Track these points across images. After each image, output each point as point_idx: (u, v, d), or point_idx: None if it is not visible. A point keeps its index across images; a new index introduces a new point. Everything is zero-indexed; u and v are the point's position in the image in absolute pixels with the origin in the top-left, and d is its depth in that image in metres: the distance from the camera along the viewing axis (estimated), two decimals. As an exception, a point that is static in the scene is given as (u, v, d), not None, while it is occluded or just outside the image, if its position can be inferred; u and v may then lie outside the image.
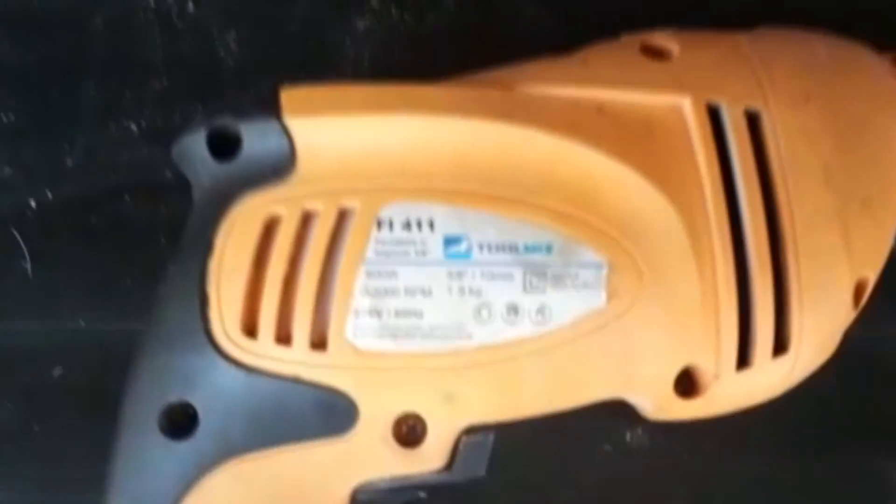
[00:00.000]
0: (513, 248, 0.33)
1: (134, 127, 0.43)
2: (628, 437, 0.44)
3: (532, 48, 0.36)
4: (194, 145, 0.34)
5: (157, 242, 0.43)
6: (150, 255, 0.42)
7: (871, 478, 0.44)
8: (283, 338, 0.32)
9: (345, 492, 0.33)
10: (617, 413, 0.35)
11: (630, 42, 0.36)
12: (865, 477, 0.44)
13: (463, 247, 0.33)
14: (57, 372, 0.42)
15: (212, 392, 0.32)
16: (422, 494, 0.36)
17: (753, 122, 0.34)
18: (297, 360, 0.32)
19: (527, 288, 0.33)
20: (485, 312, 0.33)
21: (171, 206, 0.42)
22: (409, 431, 0.33)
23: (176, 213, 0.39)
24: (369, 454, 0.33)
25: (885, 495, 0.44)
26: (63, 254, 0.43)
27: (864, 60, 0.37)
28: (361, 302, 0.32)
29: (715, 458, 0.43)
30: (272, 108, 0.33)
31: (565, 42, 0.36)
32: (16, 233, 0.43)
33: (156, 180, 0.43)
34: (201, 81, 0.44)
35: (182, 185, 0.35)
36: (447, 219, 0.33)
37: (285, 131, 0.33)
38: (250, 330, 0.32)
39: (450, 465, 0.33)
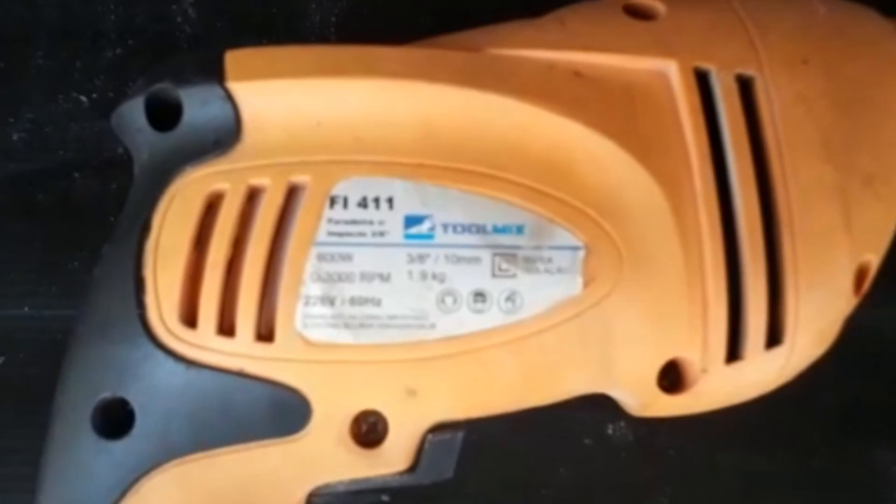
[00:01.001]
0: (480, 229, 0.32)
1: (84, 99, 0.43)
2: (610, 430, 0.43)
3: (507, 13, 0.35)
4: (132, 114, 0.33)
5: (107, 223, 0.40)
6: (99, 237, 0.39)
7: (868, 469, 0.43)
8: (227, 328, 0.31)
9: (298, 496, 0.32)
10: (598, 405, 0.34)
11: (612, 1, 0.35)
12: (862, 469, 0.43)
13: (425, 227, 0.31)
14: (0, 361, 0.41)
15: (149, 387, 0.31)
16: (384, 498, 0.35)
17: (746, 88, 0.33)
18: (241, 353, 0.31)
19: (495, 273, 0.31)
20: (449, 300, 0.31)
21: (123, 183, 0.39)
22: (369, 430, 0.32)
23: (127, 190, 0.37)
24: (324, 456, 0.31)
25: (884, 488, 0.43)
26: (6, 234, 0.42)
27: (867, 22, 0.36)
28: (312, 288, 0.31)
29: (702, 452, 0.43)
30: (214, 72, 0.31)
31: (542, 7, 0.35)
32: (-44, 212, 0.42)
33: (107, 156, 0.42)
34: (156, 50, 0.43)
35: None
36: (408, 196, 0.31)
37: (229, 97, 0.31)
38: (190, 319, 0.31)
39: (414, 466, 0.32)
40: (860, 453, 0.43)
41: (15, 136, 0.42)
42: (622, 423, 0.42)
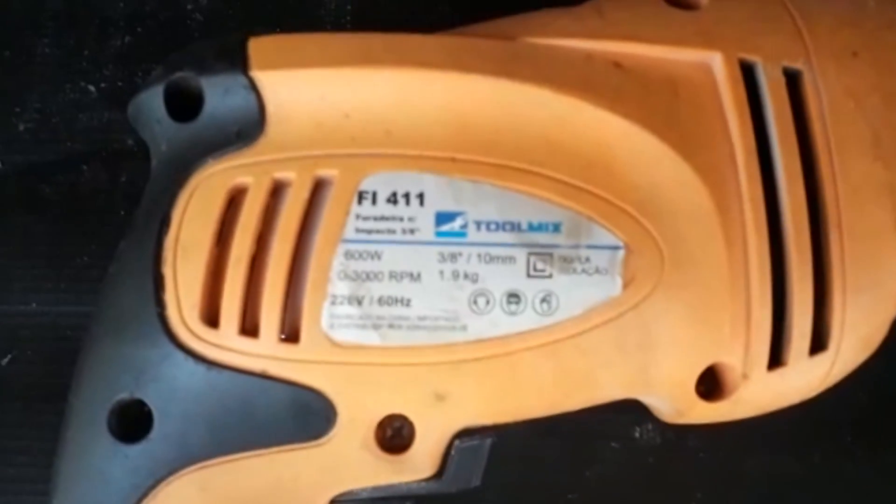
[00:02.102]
0: (515, 227, 0.31)
1: (92, 88, 0.43)
2: (637, 433, 0.42)
3: (537, 2, 0.35)
4: (151, 104, 0.32)
5: (116, 216, 0.41)
6: (108, 231, 0.41)
7: None
8: (250, 328, 0.31)
9: (320, 503, 0.31)
10: (625, 407, 0.34)
11: None
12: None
13: (457, 224, 0.31)
14: (5, 359, 0.41)
15: (168, 389, 0.31)
16: (408, 505, 0.35)
17: (793, 81, 0.33)
18: (265, 354, 0.30)
19: (530, 273, 0.31)
20: (482, 301, 0.31)
21: (132, 175, 0.42)
22: (395, 435, 0.31)
23: (137, 183, 0.39)
24: (348, 461, 0.31)
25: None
26: (12, 228, 0.42)
27: None
28: (339, 287, 0.30)
29: (733, 456, 0.42)
30: (238, 61, 0.31)
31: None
32: (-40, 205, 0.42)
33: (115, 147, 0.42)
34: (167, 39, 0.43)
35: (144, 152, 0.34)
36: (439, 192, 0.31)
37: (253, 87, 0.31)
38: (211, 318, 0.31)
39: (440, 473, 0.32)
40: (893, 456, 0.43)
41: (21, 127, 0.42)
42: (650, 426, 0.42)
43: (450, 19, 0.35)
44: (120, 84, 0.42)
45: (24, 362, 0.41)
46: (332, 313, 0.30)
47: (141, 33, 0.43)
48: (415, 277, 0.31)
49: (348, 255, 0.30)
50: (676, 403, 0.33)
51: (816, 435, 0.42)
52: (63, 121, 0.42)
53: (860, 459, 0.43)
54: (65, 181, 0.42)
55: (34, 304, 0.41)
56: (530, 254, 0.31)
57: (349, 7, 0.43)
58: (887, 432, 0.43)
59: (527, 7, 0.34)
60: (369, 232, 0.31)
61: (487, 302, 0.31)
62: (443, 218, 0.31)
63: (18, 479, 0.40)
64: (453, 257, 0.31)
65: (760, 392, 0.33)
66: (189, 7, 0.43)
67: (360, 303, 0.30)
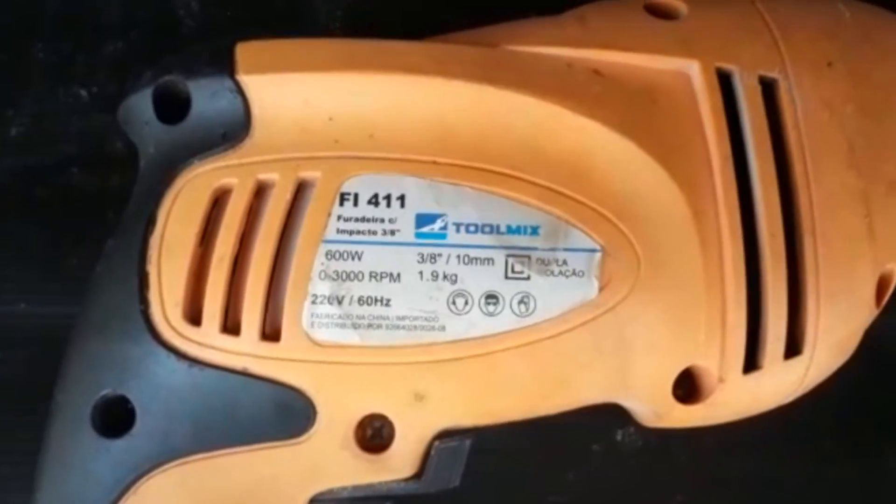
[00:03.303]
0: (494, 229, 0.31)
1: (84, 93, 0.43)
2: (619, 436, 0.43)
3: (522, 9, 0.35)
4: (139, 106, 0.33)
5: (106, 219, 0.41)
6: (98, 233, 0.39)
7: (882, 475, 0.43)
8: (231, 326, 0.31)
9: (300, 501, 0.31)
10: (606, 410, 0.34)
11: (633, 0, 0.34)
12: (876, 474, 0.43)
13: (437, 226, 0.31)
14: None
15: (150, 385, 0.31)
16: (388, 505, 0.35)
17: (769, 90, 0.33)
18: (246, 352, 0.31)
19: (509, 274, 0.31)
20: (460, 301, 0.31)
21: (123, 179, 0.42)
22: (374, 435, 0.31)
23: (128, 186, 0.37)
24: (328, 460, 0.31)
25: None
26: (4, 229, 0.42)
27: (892, 27, 0.36)
28: (320, 287, 0.31)
29: (714, 459, 0.43)
30: (225, 64, 0.31)
31: (560, 5, 0.35)
32: (-47, 207, 0.42)
33: (107, 151, 0.42)
34: (159, 44, 0.43)
35: (135, 156, 0.34)
36: (420, 194, 0.31)
37: (239, 90, 0.31)
38: (194, 316, 0.31)
39: (420, 473, 0.32)
40: (873, 459, 0.43)
41: (14, 130, 0.42)
42: (631, 429, 0.42)
43: (439, 25, 0.35)
44: (112, 89, 0.42)
45: (15, 363, 0.41)
46: (312, 312, 0.30)
47: (134, 39, 0.43)
48: (395, 278, 0.31)
49: (329, 255, 0.31)
50: (654, 406, 0.33)
51: (797, 438, 0.42)
52: (56, 124, 0.42)
53: (840, 462, 0.43)
54: (57, 184, 0.42)
55: (24, 305, 0.41)
56: (508, 256, 0.31)
57: (339, 13, 0.43)
58: (867, 435, 0.43)
59: (511, 13, 0.35)
60: (350, 233, 0.31)
61: (466, 302, 0.31)
62: (423, 219, 0.31)
63: (10, 477, 0.39)
64: (433, 258, 0.31)
65: (737, 396, 0.33)
66: (181, 13, 0.43)
67: (340, 302, 0.30)
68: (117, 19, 0.43)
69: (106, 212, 0.41)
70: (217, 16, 0.43)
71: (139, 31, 0.43)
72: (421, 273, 0.31)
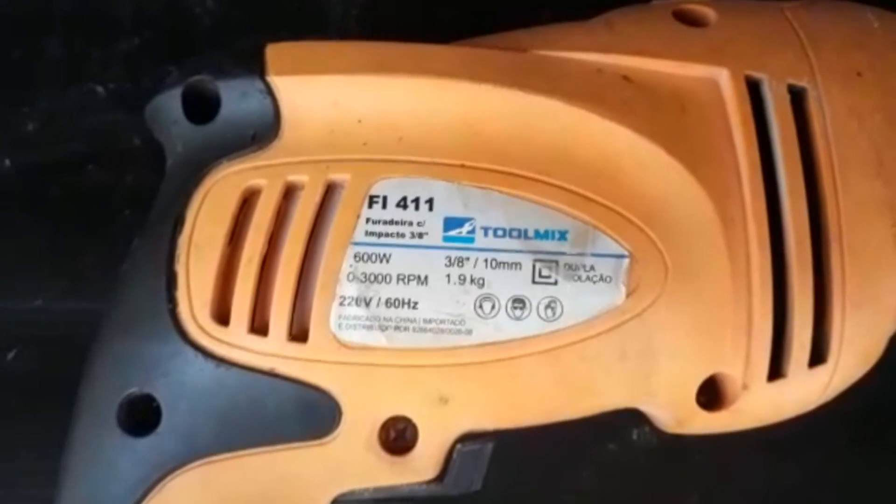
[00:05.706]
0: (522, 234, 0.32)
1: (100, 89, 0.43)
2: (635, 435, 0.43)
3: (548, 13, 0.36)
4: (168, 105, 0.33)
5: (121, 215, 0.42)
6: (113, 230, 0.41)
7: None
8: (259, 327, 0.31)
9: (323, 502, 0.32)
10: (623, 410, 0.34)
11: (662, 7, 0.35)
12: (892, 475, 0.43)
13: (465, 230, 0.31)
14: (10, 355, 0.42)
15: (177, 385, 0.31)
16: (409, 507, 0.35)
17: (798, 99, 0.33)
18: (273, 353, 0.31)
19: (536, 279, 0.31)
20: (487, 305, 0.31)
21: (138, 175, 0.42)
22: (398, 437, 0.32)
23: (143, 183, 0.39)
24: (352, 461, 0.32)
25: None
26: (17, 226, 0.42)
27: None
28: (348, 288, 0.31)
29: (730, 460, 0.43)
30: (256, 65, 0.32)
31: (587, 9, 0.35)
32: (-32, 204, 0.42)
33: (122, 148, 0.42)
34: (174, 41, 0.43)
35: (151, 153, 0.35)
36: (449, 198, 0.31)
37: (269, 91, 0.32)
38: (222, 316, 0.31)
39: (442, 476, 0.32)
40: (889, 460, 0.43)
41: (29, 127, 0.43)
42: (647, 429, 0.42)
43: (451, 26, 0.35)
44: (127, 85, 0.43)
45: (28, 358, 0.42)
46: (340, 314, 0.31)
47: (148, 35, 0.43)
48: (422, 281, 0.31)
49: (357, 257, 0.31)
50: (676, 413, 0.33)
51: (813, 441, 0.42)
52: (70, 121, 0.43)
53: (856, 465, 0.43)
54: (71, 181, 0.42)
55: (38, 302, 0.42)
56: (536, 260, 0.31)
57: (354, 13, 0.44)
58: (883, 439, 0.43)
59: (531, 14, 0.35)
60: (378, 235, 0.31)
61: (493, 307, 0.31)
62: (451, 223, 0.31)
63: (20, 472, 0.41)
64: (460, 262, 0.31)
65: (760, 403, 0.33)
66: (197, 10, 0.43)
67: (367, 304, 0.31)
68: (131, 15, 0.43)
69: (120, 208, 0.42)
70: (232, 14, 0.44)
71: (153, 28, 0.43)
72: (448, 276, 0.31)
